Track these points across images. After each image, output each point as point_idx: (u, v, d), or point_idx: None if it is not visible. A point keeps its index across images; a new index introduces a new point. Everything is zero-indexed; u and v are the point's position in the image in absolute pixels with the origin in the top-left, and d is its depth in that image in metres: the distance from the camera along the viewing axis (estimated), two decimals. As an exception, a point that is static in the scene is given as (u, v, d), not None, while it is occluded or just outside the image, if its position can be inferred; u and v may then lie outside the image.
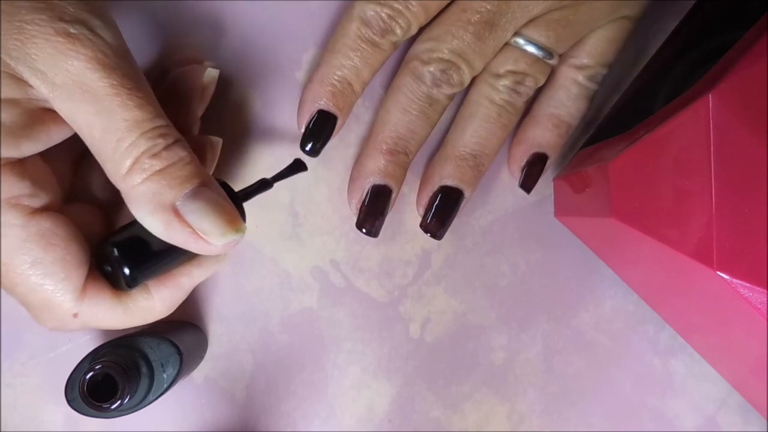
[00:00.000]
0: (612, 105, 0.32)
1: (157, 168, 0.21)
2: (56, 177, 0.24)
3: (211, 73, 0.28)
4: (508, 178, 0.33)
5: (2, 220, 0.21)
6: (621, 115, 0.30)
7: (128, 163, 0.21)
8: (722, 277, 0.22)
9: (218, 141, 0.27)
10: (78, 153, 0.27)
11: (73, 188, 0.26)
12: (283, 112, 0.32)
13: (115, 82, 0.21)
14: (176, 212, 0.21)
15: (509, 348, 0.33)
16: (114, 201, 0.27)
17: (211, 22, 0.31)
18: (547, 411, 0.33)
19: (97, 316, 0.24)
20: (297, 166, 0.28)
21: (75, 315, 0.23)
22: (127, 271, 0.23)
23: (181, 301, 0.26)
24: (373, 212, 0.29)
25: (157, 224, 0.22)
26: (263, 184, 0.26)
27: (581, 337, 0.33)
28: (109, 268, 0.24)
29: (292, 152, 0.32)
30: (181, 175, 0.22)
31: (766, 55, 0.22)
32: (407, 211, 0.32)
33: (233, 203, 0.23)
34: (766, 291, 0.22)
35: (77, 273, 0.23)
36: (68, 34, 0.20)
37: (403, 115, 0.29)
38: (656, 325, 0.33)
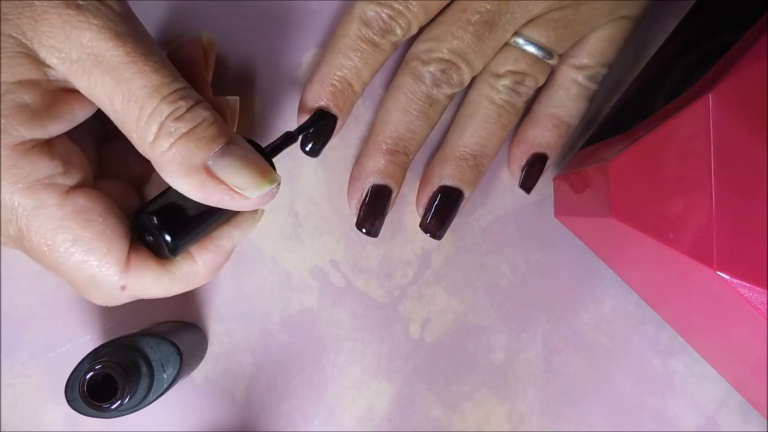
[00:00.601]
0: (612, 105, 0.32)
1: (183, 131, 0.21)
2: (85, 155, 0.24)
3: (209, 36, 0.28)
4: (508, 178, 0.33)
5: (38, 200, 0.21)
6: (621, 115, 0.30)
7: (154, 129, 0.21)
8: (722, 277, 0.22)
9: (235, 100, 0.27)
10: (100, 133, 0.27)
11: (101, 168, 0.26)
12: (283, 112, 0.32)
13: (129, 50, 0.21)
14: (209, 171, 0.21)
15: (509, 348, 0.33)
16: (144, 177, 0.27)
17: (211, 23, 0.31)
18: (547, 411, 0.33)
19: (144, 286, 0.24)
20: (322, 116, 0.28)
21: (122, 288, 0.23)
22: (168, 238, 0.23)
23: (222, 265, 0.26)
24: (373, 212, 0.29)
25: (191, 186, 0.22)
26: (288, 138, 0.26)
27: (581, 337, 0.33)
28: (150, 238, 0.24)
29: (292, 152, 0.32)
30: (208, 135, 0.22)
31: (766, 55, 0.22)
32: (407, 211, 0.32)
33: (265, 158, 0.23)
34: (766, 291, 0.22)
35: (119, 246, 0.23)
36: (77, 6, 0.20)
37: (403, 115, 0.29)
38: (656, 325, 0.33)
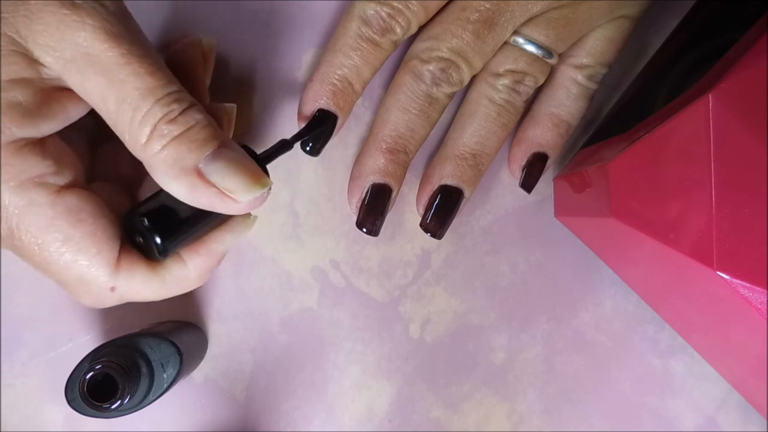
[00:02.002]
0: (612, 105, 0.32)
1: (176, 133, 0.21)
2: (77, 156, 0.24)
3: (208, 40, 0.28)
4: (508, 178, 0.33)
5: (29, 199, 0.21)
6: (621, 115, 0.30)
7: (146, 131, 0.21)
8: (722, 277, 0.22)
9: (232, 107, 0.27)
10: (94, 133, 0.27)
11: (93, 169, 0.26)
12: (283, 112, 0.32)
13: (124, 51, 0.21)
14: (200, 174, 0.22)
15: (509, 348, 0.33)
16: (136, 178, 0.27)
17: (211, 23, 0.31)
18: (547, 411, 0.33)
19: (133, 288, 0.24)
20: (320, 121, 0.28)
21: (112, 289, 0.23)
22: (158, 240, 0.23)
23: (213, 269, 0.26)
24: (373, 211, 0.29)
25: (182, 189, 0.22)
26: (283, 145, 0.26)
27: (581, 337, 0.33)
28: (140, 240, 0.24)
29: (292, 152, 0.32)
30: (200, 137, 0.22)
31: (766, 55, 0.22)
32: (407, 211, 0.32)
33: (258, 163, 0.23)
34: (766, 291, 0.22)
35: (109, 246, 0.23)
36: (73, 5, 0.20)
37: (402, 114, 0.29)
38: (656, 325, 0.33)
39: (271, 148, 0.26)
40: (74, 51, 0.20)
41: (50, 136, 0.22)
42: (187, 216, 0.24)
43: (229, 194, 0.22)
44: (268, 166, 0.25)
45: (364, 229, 0.29)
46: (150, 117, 0.21)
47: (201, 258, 0.25)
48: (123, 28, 0.21)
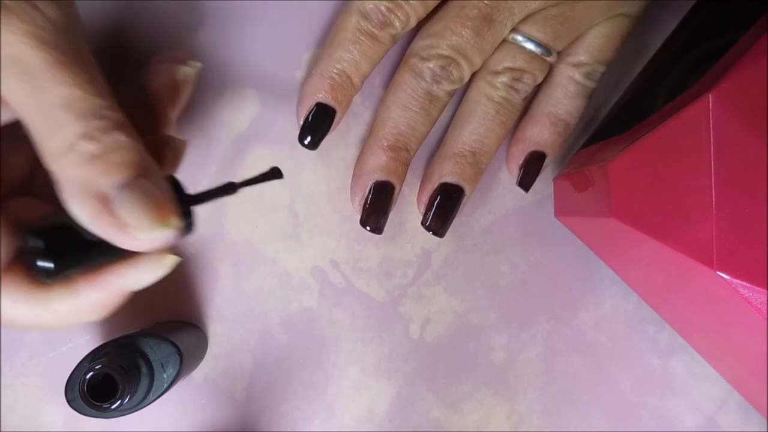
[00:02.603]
0: (612, 105, 0.32)
1: (92, 152, 0.19)
2: (5, 168, 0.23)
3: (185, 71, 0.26)
4: (508, 177, 0.33)
5: None
6: (621, 115, 0.30)
7: (61, 145, 0.19)
8: (722, 277, 0.22)
9: (183, 143, 0.25)
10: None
11: (31, 182, 0.24)
12: (283, 112, 0.32)
13: (50, 58, 0.19)
14: (105, 202, 0.19)
15: (509, 348, 0.33)
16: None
17: (210, 22, 0.31)
18: (547, 411, 0.33)
19: (12, 308, 0.21)
20: (273, 174, 0.24)
21: None
22: (43, 261, 0.21)
23: (113, 306, 0.23)
24: (376, 209, 0.29)
25: (83, 213, 0.20)
26: (227, 188, 0.23)
27: (581, 337, 0.33)
28: (30, 258, 0.21)
29: (292, 152, 0.32)
30: (118, 162, 0.20)
31: (766, 55, 0.22)
32: (407, 211, 0.32)
33: (180, 202, 0.21)
34: (766, 291, 0.22)
35: None
36: (5, 7, 0.19)
37: (403, 112, 0.29)
38: (656, 325, 0.33)
39: (212, 188, 0.23)
40: (2, 54, 0.19)
41: None
42: (87, 242, 0.21)
43: (129, 229, 0.20)
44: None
45: (368, 228, 0.29)
46: (69, 131, 0.19)
47: (95, 291, 0.22)
48: (57, 35, 0.20)
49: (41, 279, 0.21)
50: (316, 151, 0.30)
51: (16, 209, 0.23)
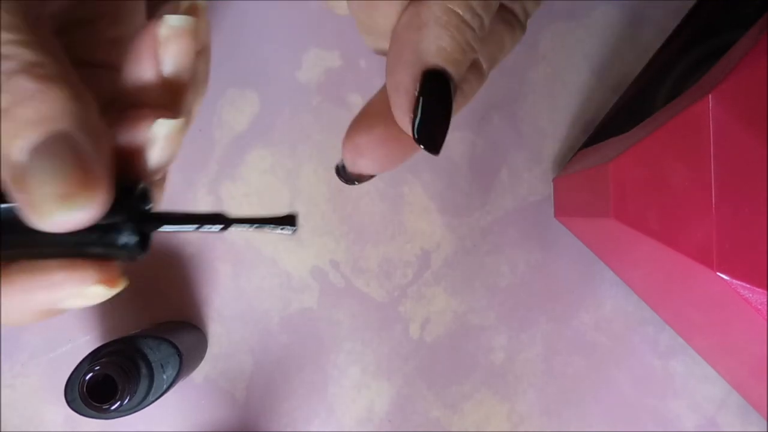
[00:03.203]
0: (612, 105, 0.32)
1: None
2: None
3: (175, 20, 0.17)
4: (508, 178, 0.33)
5: None
6: (621, 115, 0.30)
7: None
8: (722, 278, 0.22)
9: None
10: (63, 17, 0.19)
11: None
12: (283, 111, 0.32)
13: None
14: (18, 171, 0.15)
15: (509, 348, 0.33)
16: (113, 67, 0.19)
17: (211, 22, 0.31)
18: (547, 411, 0.33)
19: None
20: (284, 220, 0.19)
21: None
22: None
23: (41, 313, 0.17)
24: (432, 117, 0.18)
25: None
26: (216, 218, 0.18)
27: (581, 338, 0.33)
28: None
29: (292, 152, 0.32)
30: (27, 118, 0.15)
31: (766, 55, 0.22)
32: (407, 212, 0.32)
33: (144, 221, 0.16)
34: (766, 291, 0.22)
35: None
36: None
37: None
38: (656, 325, 0.33)
39: (192, 213, 0.17)
40: None
41: None
42: (9, 225, 0.16)
43: (34, 208, 0.15)
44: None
45: (427, 145, 0.19)
46: None
47: (14, 290, 0.16)
48: None
49: None
50: (316, 151, 0.30)
51: None
